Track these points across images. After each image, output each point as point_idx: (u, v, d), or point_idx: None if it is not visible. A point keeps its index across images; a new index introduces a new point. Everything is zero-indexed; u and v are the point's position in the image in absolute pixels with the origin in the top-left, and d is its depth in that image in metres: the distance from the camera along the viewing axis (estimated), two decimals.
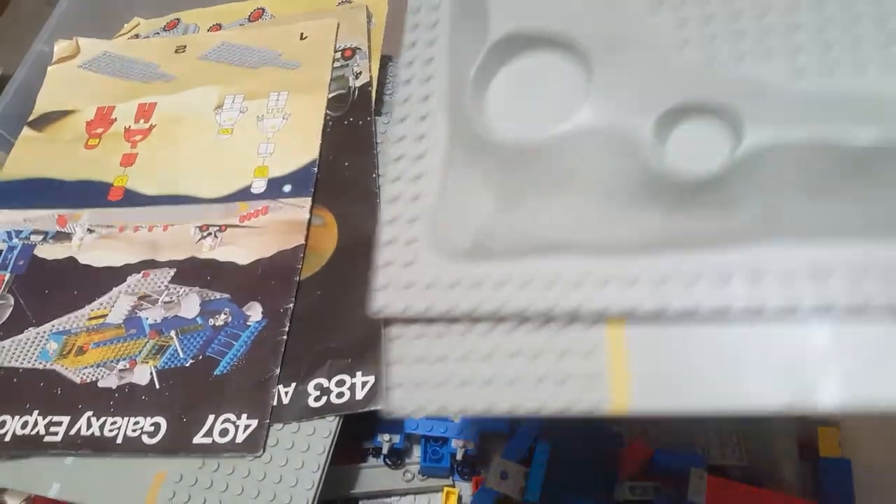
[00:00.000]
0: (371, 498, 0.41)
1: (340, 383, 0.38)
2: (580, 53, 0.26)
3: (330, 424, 0.37)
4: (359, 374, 0.38)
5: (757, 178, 0.23)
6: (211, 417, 0.38)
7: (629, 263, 0.23)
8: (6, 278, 0.46)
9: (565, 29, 0.27)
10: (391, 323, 0.26)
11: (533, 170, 0.27)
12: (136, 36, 0.58)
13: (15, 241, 0.47)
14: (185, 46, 0.55)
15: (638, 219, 0.25)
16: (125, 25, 0.59)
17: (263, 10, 0.56)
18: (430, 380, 0.25)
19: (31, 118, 0.53)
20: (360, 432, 0.41)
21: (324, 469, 0.36)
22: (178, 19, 0.58)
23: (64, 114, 0.53)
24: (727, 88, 0.25)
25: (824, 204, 0.23)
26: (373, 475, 0.41)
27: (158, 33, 0.58)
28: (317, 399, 0.37)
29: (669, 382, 0.22)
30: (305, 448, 0.36)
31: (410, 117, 0.29)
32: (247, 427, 0.37)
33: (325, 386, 0.38)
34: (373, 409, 0.37)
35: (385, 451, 0.40)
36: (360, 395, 0.37)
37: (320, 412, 0.37)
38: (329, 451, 0.37)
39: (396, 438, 0.40)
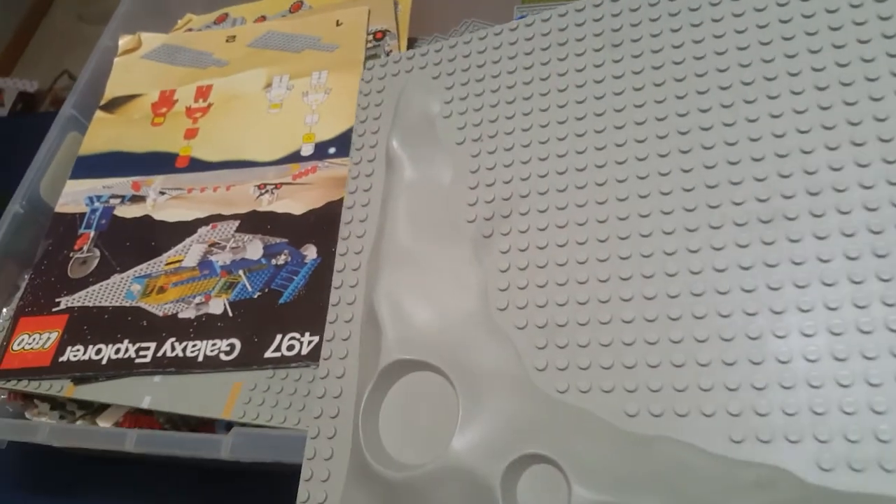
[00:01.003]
0: None
1: None
2: (451, 382, 0.32)
3: None
4: None
5: None
6: (279, 336, 0.44)
7: None
8: (91, 235, 0.53)
9: (438, 360, 0.32)
10: None
11: None
12: (190, 29, 0.65)
13: (97, 204, 0.54)
14: (234, 36, 0.62)
15: None
16: (179, 21, 0.67)
17: (302, 2, 0.63)
18: None
19: (102, 102, 0.60)
20: None
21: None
22: (226, 14, 0.65)
23: (131, 97, 0.60)
24: (566, 436, 0.29)
25: None
26: None
27: (209, 27, 0.65)
28: None
29: None
30: None
31: (318, 455, 0.35)
32: (310, 342, 0.43)
33: None
34: None
35: None
36: None
37: None
38: None
39: None
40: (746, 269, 0.30)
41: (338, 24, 0.59)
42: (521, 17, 0.58)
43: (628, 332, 0.31)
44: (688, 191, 0.33)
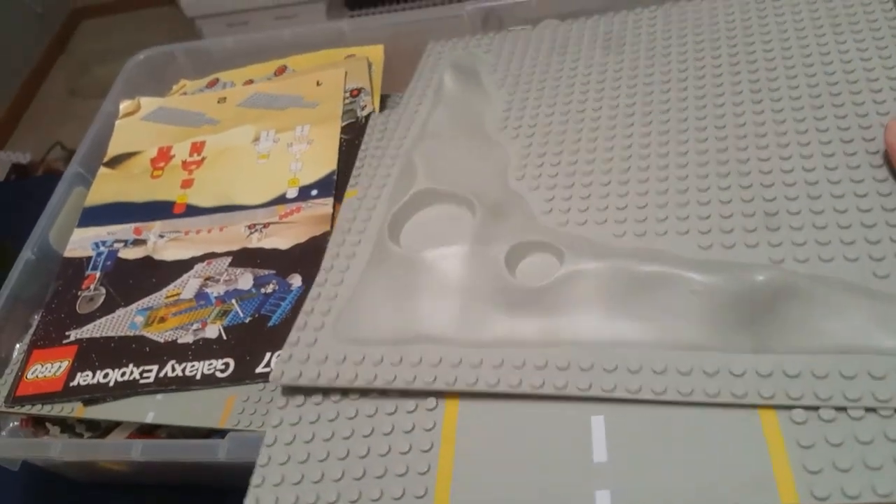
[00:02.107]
0: None
1: None
2: (472, 206, 0.38)
3: None
4: None
5: (571, 291, 0.33)
6: (268, 354, 0.49)
7: (476, 352, 0.33)
8: (97, 275, 0.58)
9: (462, 191, 0.39)
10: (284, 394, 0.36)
11: (422, 277, 0.36)
12: (185, 93, 0.72)
13: (102, 248, 0.60)
14: (225, 98, 0.69)
15: (489, 320, 0.34)
16: (174, 86, 0.74)
17: (286, 66, 0.71)
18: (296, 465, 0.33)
19: (105, 160, 0.67)
20: None
21: None
22: (217, 79, 0.73)
23: (132, 154, 0.67)
24: (561, 235, 0.36)
25: (612, 319, 0.33)
26: None
27: (202, 90, 0.72)
28: None
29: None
30: None
31: (348, 241, 0.41)
32: None
33: None
34: None
35: None
36: None
37: None
38: None
39: None
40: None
41: (318, 84, 0.67)
42: None
43: (625, 190, 0.37)
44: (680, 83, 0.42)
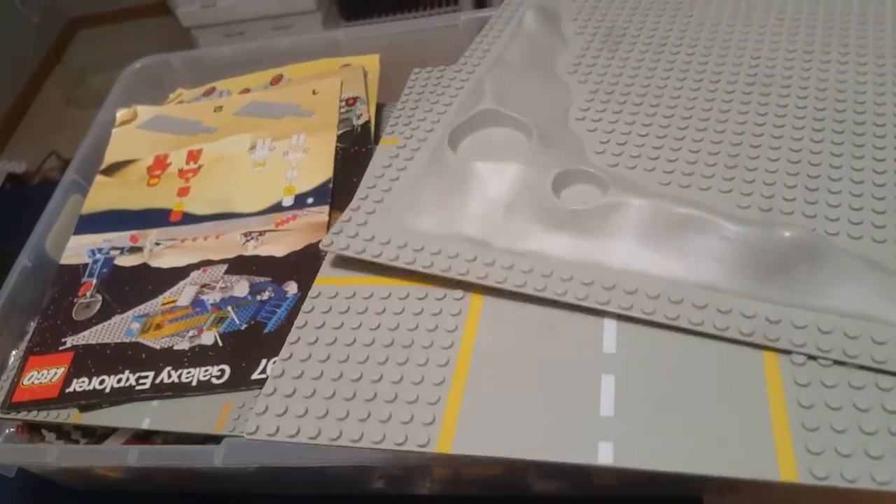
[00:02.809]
0: None
1: None
2: (529, 132, 0.41)
3: None
4: None
5: (611, 220, 0.36)
6: (264, 361, 0.50)
7: (510, 257, 0.36)
8: (94, 283, 0.58)
9: (524, 118, 0.41)
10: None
11: (472, 184, 0.39)
12: (181, 102, 0.73)
13: (98, 256, 0.60)
14: (221, 107, 0.70)
15: (527, 232, 0.37)
16: (171, 95, 0.74)
17: (282, 75, 0.72)
18: (305, 406, 0.34)
19: (102, 167, 0.67)
20: None
21: None
22: (213, 87, 0.73)
23: (128, 162, 0.67)
24: (610, 173, 0.39)
25: (642, 251, 0.35)
26: None
27: (199, 99, 0.72)
28: None
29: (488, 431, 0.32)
30: None
31: (409, 145, 0.43)
32: None
33: None
34: None
35: None
36: None
37: None
38: None
39: None
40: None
41: (314, 93, 0.67)
42: None
43: (678, 145, 0.40)
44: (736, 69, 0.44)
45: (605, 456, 0.29)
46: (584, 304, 0.34)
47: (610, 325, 0.34)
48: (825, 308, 0.32)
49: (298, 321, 0.39)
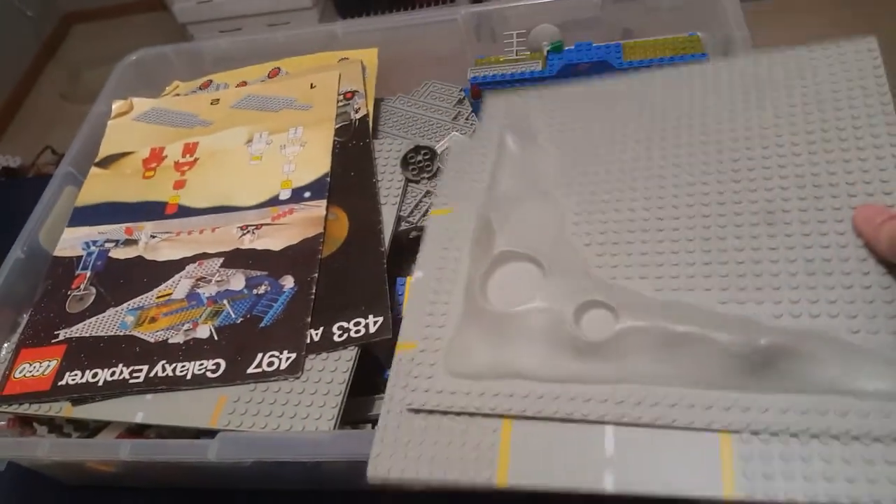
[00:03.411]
0: None
1: (357, 323, 0.50)
2: (541, 265, 0.45)
3: (350, 354, 0.49)
4: (370, 316, 0.50)
5: (624, 344, 0.41)
6: (259, 355, 0.49)
7: (553, 388, 0.41)
8: (88, 275, 0.58)
9: (533, 252, 0.46)
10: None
11: (507, 328, 0.44)
12: (178, 94, 0.72)
13: (92, 248, 0.60)
14: (218, 99, 0.69)
15: (562, 362, 0.42)
16: (167, 87, 0.74)
17: (279, 69, 0.71)
18: (408, 453, 0.41)
19: (97, 160, 0.67)
20: (374, 369, 0.53)
21: (347, 388, 0.47)
22: (210, 80, 0.73)
23: (124, 154, 0.67)
24: (614, 290, 0.43)
25: (660, 363, 0.40)
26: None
27: (195, 91, 0.72)
28: (339, 336, 0.49)
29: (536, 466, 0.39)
30: (333, 369, 0.48)
31: (439, 300, 0.46)
32: (288, 358, 0.49)
33: (345, 326, 0.50)
34: (383, 337, 0.49)
35: None
36: (372, 329, 0.49)
37: (343, 344, 0.49)
38: (350, 374, 0.48)
39: None
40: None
41: (312, 86, 0.67)
42: (474, 77, 0.66)
43: (661, 248, 0.44)
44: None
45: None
46: (589, 419, 0.39)
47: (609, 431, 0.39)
48: (802, 390, 0.37)
49: (390, 382, 0.45)
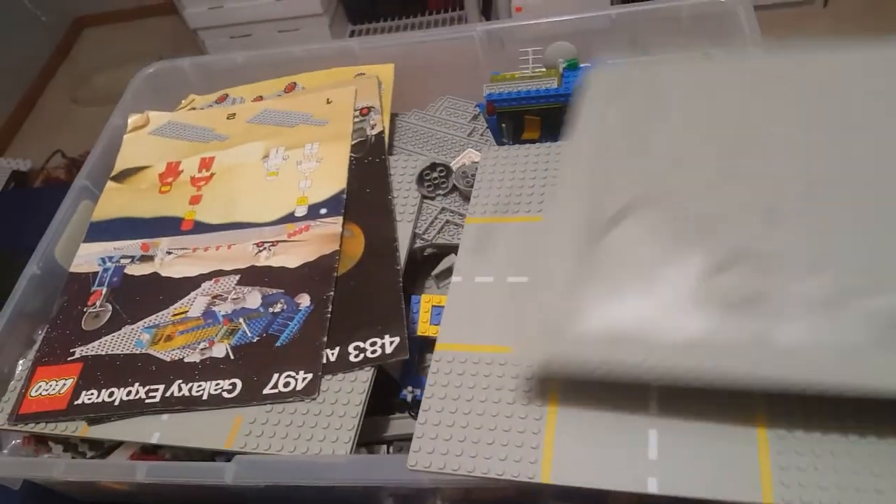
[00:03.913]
0: (399, 441, 0.52)
1: (373, 343, 0.49)
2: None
3: (367, 374, 0.48)
4: (386, 336, 0.50)
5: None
6: (276, 375, 0.49)
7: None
8: (104, 292, 0.58)
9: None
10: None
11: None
12: (193, 108, 0.72)
13: (108, 264, 0.60)
14: (234, 114, 0.69)
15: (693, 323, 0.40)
16: (183, 101, 0.74)
17: (295, 83, 0.71)
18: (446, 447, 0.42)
19: (112, 174, 0.67)
20: (390, 389, 0.52)
21: (363, 409, 0.47)
22: (226, 94, 0.73)
23: (140, 169, 0.67)
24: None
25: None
26: (400, 424, 0.52)
27: (211, 105, 0.72)
28: (356, 356, 0.49)
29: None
30: (350, 390, 0.48)
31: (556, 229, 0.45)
32: (304, 378, 0.48)
33: (361, 346, 0.49)
34: (399, 358, 0.48)
35: (409, 400, 0.51)
36: (388, 350, 0.49)
37: (360, 365, 0.49)
38: (366, 395, 0.48)
39: (418, 391, 0.51)
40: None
41: (328, 102, 0.67)
42: (490, 94, 0.65)
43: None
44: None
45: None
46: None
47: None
48: None
49: (430, 380, 0.46)
